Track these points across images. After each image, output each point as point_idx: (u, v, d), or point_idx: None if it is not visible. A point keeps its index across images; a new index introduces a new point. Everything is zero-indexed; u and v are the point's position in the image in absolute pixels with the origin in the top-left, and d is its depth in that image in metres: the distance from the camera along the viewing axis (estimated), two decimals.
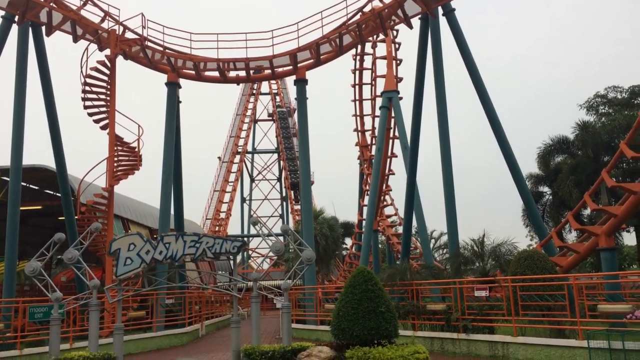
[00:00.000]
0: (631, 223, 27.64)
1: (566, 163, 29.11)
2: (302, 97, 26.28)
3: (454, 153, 24.47)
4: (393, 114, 32.29)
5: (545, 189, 32.14)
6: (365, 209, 35.27)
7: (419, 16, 24.56)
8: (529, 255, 15.22)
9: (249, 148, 65.82)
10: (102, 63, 23.00)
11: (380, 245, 40.51)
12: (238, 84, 31.24)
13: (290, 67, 26.17)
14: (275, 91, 66.51)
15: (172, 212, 27.12)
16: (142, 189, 46.26)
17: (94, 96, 23.17)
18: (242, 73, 26.81)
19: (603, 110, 30.96)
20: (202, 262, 23.81)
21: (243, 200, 64.91)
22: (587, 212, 27.67)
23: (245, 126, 64.31)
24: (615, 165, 20.62)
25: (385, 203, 38.82)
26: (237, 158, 62.00)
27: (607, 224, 17.95)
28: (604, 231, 17.89)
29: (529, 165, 32.66)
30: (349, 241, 47.97)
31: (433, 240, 40.22)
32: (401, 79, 34.40)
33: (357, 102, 40.92)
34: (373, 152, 36.65)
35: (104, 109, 23.32)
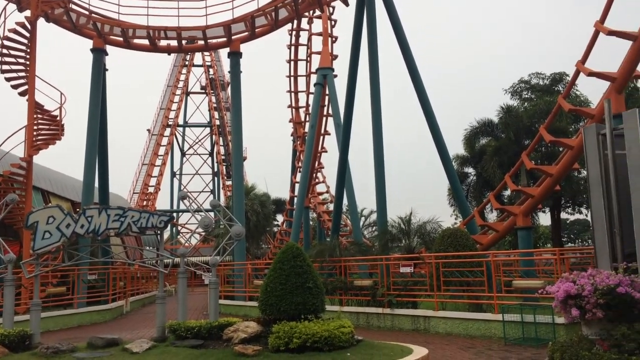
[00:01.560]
0: (547, 204, 29.31)
1: (490, 145, 30.34)
2: (235, 71, 25.79)
3: (386, 133, 24.92)
4: (327, 92, 32.37)
5: (470, 170, 33.39)
6: (297, 186, 35.37)
7: None
8: (452, 233, 15.83)
9: (180, 121, 64.15)
10: (22, 25, 21.57)
11: (311, 222, 40.82)
12: (169, 54, 30.15)
13: (225, 39, 25.57)
14: (209, 63, 64.92)
15: (97, 185, 26.11)
16: (66, 161, 44.13)
17: (12, 60, 21.77)
18: (174, 43, 25.94)
19: (526, 96, 32.34)
20: (128, 237, 23.08)
21: (173, 174, 63.41)
22: (508, 192, 29.01)
23: (176, 98, 62.58)
24: (534, 148, 21.70)
25: (317, 180, 39.07)
26: (168, 131, 60.35)
27: (524, 205, 18.92)
28: (521, 211, 18.85)
29: (457, 147, 33.86)
30: (280, 218, 48.05)
31: (363, 218, 40.92)
32: (336, 57, 34.46)
33: (292, 78, 40.67)
34: (307, 129, 36.67)
35: (22, 74, 21.95)
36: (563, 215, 34.13)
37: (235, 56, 25.54)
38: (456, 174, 26.35)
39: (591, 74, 15.99)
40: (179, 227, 59.48)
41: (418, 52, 25.04)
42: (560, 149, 21.37)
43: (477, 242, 19.32)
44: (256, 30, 25.29)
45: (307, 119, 37.53)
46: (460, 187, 26.37)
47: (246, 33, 25.36)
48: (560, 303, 7.18)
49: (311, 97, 35.34)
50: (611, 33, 15.19)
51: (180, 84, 63.26)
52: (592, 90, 52.65)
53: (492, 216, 30.42)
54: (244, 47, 25.74)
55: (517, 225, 19.02)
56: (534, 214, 28.09)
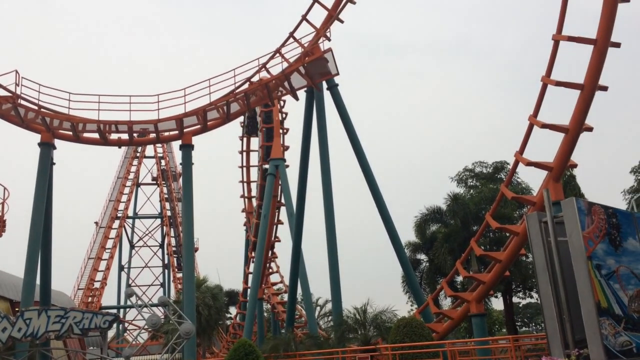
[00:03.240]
0: (498, 289, 29.67)
1: (440, 232, 30.98)
2: (187, 162, 25.83)
3: (339, 221, 25.20)
4: (280, 182, 32.75)
5: (422, 256, 33.74)
6: (250, 277, 34.67)
7: (305, 89, 25.64)
8: (407, 322, 15.71)
9: (130, 213, 62.82)
10: None
11: (265, 314, 39.71)
12: (120, 147, 30.06)
13: (176, 132, 25.77)
14: (161, 154, 64.88)
15: (38, 282, 24.80)
16: (7, 258, 42.02)
17: None
18: (125, 136, 25.92)
19: (471, 183, 33.62)
20: (70, 339, 21.67)
21: (121, 268, 61.10)
22: (461, 278, 29.28)
23: (126, 190, 61.59)
24: (482, 234, 22.26)
25: (270, 271, 38.49)
26: (117, 223, 58.79)
27: (476, 291, 19.09)
28: (474, 298, 18.97)
29: (409, 233, 34.35)
30: (233, 310, 46.53)
31: (318, 308, 40.14)
32: (288, 147, 35.21)
33: (245, 169, 41.05)
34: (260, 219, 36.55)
35: None
36: (515, 299, 34.55)
37: (187, 148, 25.68)
38: (409, 261, 26.54)
39: (529, 163, 16.84)
40: (126, 324, 56.54)
41: (368, 142, 26.02)
42: (507, 235, 22.01)
43: (433, 331, 19.16)
44: (208, 123, 25.68)
45: (260, 209, 37.53)
46: (413, 274, 26.49)
47: (198, 126, 25.70)
48: None
49: (264, 187, 35.59)
50: (545, 126, 16.22)
51: (131, 176, 62.59)
52: (534, 177, 55.20)
53: (446, 302, 30.46)
54: (196, 139, 26.01)
55: (470, 312, 19.06)
56: (486, 299, 28.32)
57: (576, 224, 10.26)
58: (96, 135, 25.38)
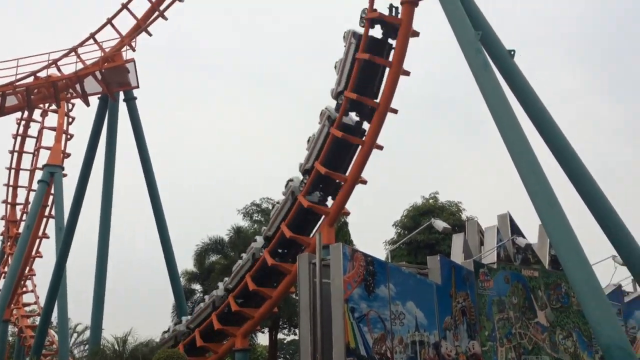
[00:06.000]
0: (266, 324, 30.39)
1: (219, 263, 30.87)
2: None
3: (114, 241, 23.67)
4: (53, 191, 29.70)
5: (197, 287, 33.21)
6: None
7: (99, 96, 23.99)
8: (168, 355, 15.13)
9: None
10: None
11: (10, 339, 34.85)
12: None
13: None
14: None
15: None
16: None
17: None
18: None
19: (256, 218, 34.28)
20: None
21: None
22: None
23: None
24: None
25: (25, 289, 34.15)
26: None
27: (244, 326, 19.22)
28: (241, 332, 19.06)
29: (187, 262, 33.54)
30: None
31: (76, 334, 36.69)
32: (69, 155, 32.16)
33: (13, 171, 36.23)
34: (21, 230, 32.42)
35: None
36: (280, 335, 35.70)
37: None
38: (182, 290, 25.88)
39: (309, 205, 17.72)
40: None
41: (161, 161, 25.24)
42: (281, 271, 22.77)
43: None
44: None
45: (24, 218, 33.35)
46: (185, 304, 25.84)
47: None
48: None
49: (32, 194, 31.83)
50: (327, 173, 17.26)
51: None
52: None
53: None
54: None
55: (235, 347, 19.09)
56: (253, 334, 28.76)
57: (339, 268, 11.00)
58: None
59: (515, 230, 13.81)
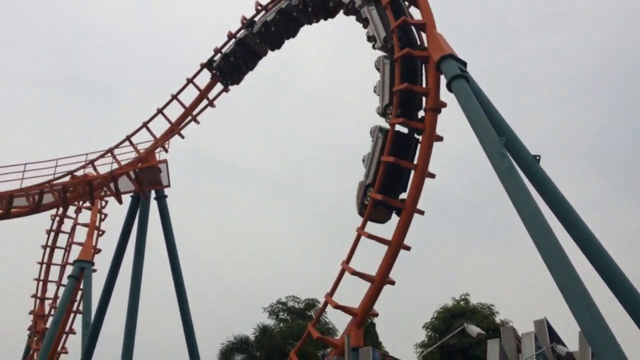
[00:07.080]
0: None
1: None
2: None
3: (140, 337, 23.45)
4: (82, 286, 29.88)
5: None
6: None
7: (131, 194, 24.73)
8: None
9: None
10: None
11: None
12: None
13: None
14: None
15: None
16: None
17: None
18: None
19: (282, 317, 33.83)
20: None
21: None
22: None
23: None
24: None
25: None
26: None
27: None
28: None
29: None
30: None
31: None
32: (100, 250, 32.64)
33: (44, 266, 36.70)
34: (48, 325, 32.35)
35: None
36: None
37: None
38: None
39: (337, 306, 17.39)
40: None
41: (189, 258, 25.50)
42: None
43: None
44: (12, 210, 23.19)
45: (52, 312, 33.39)
46: None
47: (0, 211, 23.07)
48: None
49: (62, 289, 32.05)
50: (354, 273, 17.14)
51: None
52: (341, 318, 56.89)
53: None
54: None
55: None
56: None
57: None
58: None
59: (554, 337, 13.26)
